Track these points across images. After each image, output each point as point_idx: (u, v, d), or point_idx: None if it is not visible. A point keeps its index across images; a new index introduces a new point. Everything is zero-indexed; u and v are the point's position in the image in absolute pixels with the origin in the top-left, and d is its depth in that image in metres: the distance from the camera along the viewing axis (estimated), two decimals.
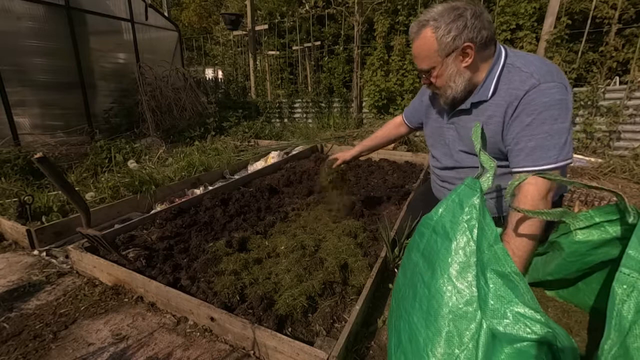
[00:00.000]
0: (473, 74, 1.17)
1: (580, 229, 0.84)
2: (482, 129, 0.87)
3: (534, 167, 1.06)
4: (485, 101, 1.18)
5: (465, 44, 1.09)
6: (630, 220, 0.75)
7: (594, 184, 0.79)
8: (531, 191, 1.01)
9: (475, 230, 0.78)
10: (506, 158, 1.19)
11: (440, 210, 0.87)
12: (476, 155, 1.21)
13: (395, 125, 1.78)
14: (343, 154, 1.79)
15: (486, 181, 0.82)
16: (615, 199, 0.76)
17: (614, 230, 0.78)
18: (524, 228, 0.99)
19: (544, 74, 1.08)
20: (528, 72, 1.10)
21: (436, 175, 1.52)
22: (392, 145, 4.13)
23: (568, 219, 0.85)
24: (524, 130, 1.08)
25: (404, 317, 0.89)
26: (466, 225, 0.79)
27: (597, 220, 0.82)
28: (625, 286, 0.66)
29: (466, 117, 1.26)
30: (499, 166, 1.15)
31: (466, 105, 1.23)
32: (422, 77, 1.25)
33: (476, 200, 0.79)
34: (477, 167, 1.22)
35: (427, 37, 1.13)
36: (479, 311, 0.73)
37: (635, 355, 0.61)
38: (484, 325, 0.72)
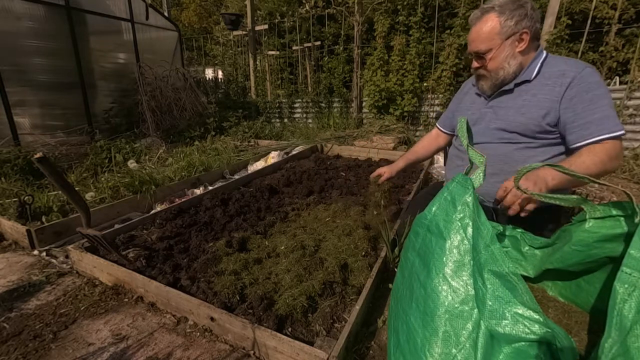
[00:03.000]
0: (523, 59, 1.29)
1: (595, 218, 0.84)
2: (468, 124, 0.87)
3: (609, 134, 1.14)
4: (529, 81, 1.29)
5: (524, 30, 1.23)
6: (636, 220, 0.74)
7: (602, 181, 0.79)
8: (607, 150, 1.13)
9: (469, 229, 0.78)
10: (546, 134, 1.27)
11: (434, 208, 0.87)
12: (511, 132, 1.29)
13: (431, 137, 1.81)
14: (389, 168, 1.73)
15: (477, 178, 0.81)
16: (615, 198, 0.76)
17: (628, 226, 0.78)
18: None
19: (582, 62, 1.24)
20: (572, 60, 1.26)
21: (458, 157, 1.53)
22: (392, 145, 4.14)
23: (587, 206, 0.84)
24: (589, 105, 1.18)
25: (402, 317, 0.89)
26: (460, 224, 0.79)
27: (614, 213, 0.81)
28: (626, 285, 0.66)
29: (507, 97, 1.35)
30: (539, 140, 1.27)
31: (510, 86, 1.33)
32: (475, 61, 1.35)
33: (469, 198, 0.79)
34: (507, 143, 1.31)
35: (491, 20, 1.25)
36: (476, 310, 0.73)
37: (635, 354, 0.60)
38: (482, 326, 0.72)
